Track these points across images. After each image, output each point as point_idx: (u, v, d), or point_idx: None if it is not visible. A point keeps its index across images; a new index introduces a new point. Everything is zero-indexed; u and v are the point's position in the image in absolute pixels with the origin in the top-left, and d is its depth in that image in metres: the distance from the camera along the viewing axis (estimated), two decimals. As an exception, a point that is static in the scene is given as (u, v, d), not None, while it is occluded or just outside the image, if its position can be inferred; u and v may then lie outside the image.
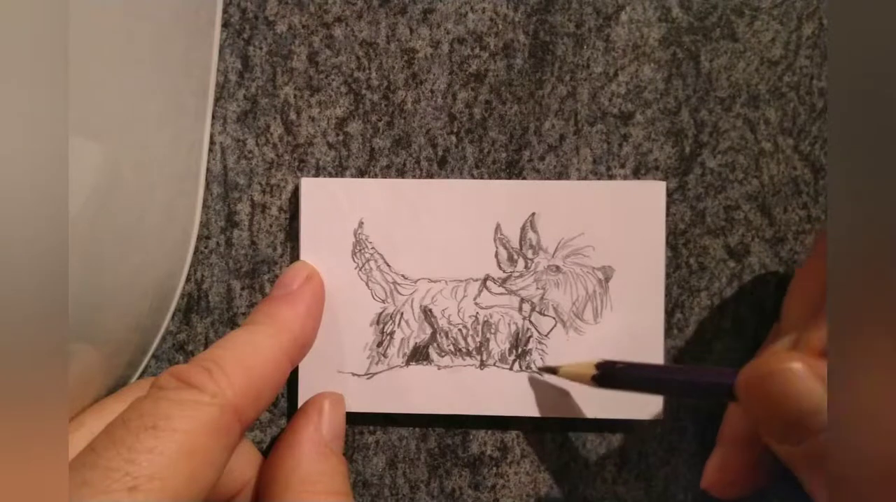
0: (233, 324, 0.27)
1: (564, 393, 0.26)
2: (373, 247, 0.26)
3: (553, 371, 0.25)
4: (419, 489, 0.27)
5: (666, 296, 0.26)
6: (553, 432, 0.26)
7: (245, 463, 0.24)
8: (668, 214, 0.26)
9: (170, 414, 0.17)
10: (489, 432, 0.26)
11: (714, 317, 0.26)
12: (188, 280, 0.27)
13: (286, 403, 0.27)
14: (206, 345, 0.27)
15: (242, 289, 0.27)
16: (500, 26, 0.26)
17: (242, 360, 0.20)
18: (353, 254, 0.26)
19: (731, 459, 0.23)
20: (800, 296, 0.23)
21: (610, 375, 0.23)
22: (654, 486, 0.26)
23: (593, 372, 0.23)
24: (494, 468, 0.26)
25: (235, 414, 0.19)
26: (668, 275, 0.26)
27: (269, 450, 0.26)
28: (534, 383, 0.26)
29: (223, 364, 0.19)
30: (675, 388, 0.23)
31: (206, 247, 0.27)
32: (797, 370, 0.18)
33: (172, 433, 0.17)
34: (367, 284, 0.26)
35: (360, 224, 0.26)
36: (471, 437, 0.26)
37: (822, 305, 0.19)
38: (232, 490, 0.24)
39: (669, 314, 0.26)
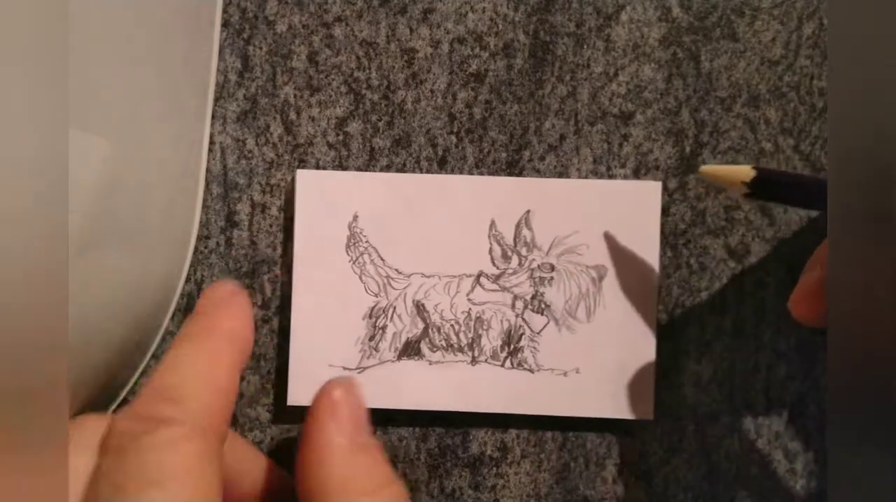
0: (233, 323, 0.27)
1: (558, 391, 0.26)
2: (367, 241, 0.26)
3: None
4: (419, 489, 0.27)
5: (666, 295, 0.26)
6: (553, 432, 0.26)
7: (247, 463, 0.24)
8: (668, 214, 0.26)
9: (161, 461, 0.17)
10: (489, 432, 0.26)
11: (714, 317, 0.26)
12: (188, 280, 0.27)
13: (278, 401, 0.27)
14: (205, 345, 0.27)
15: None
16: (500, 26, 0.26)
17: (198, 378, 0.19)
18: (348, 247, 0.26)
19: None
20: None
21: (769, 181, 0.21)
22: (654, 486, 0.26)
23: (752, 175, 0.21)
24: (494, 468, 0.26)
25: (214, 434, 0.19)
26: (668, 275, 0.26)
27: (272, 453, 0.26)
28: (526, 380, 0.26)
29: (185, 390, 0.19)
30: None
31: (206, 247, 0.27)
32: None
33: (173, 481, 0.17)
34: (360, 278, 0.26)
35: (355, 217, 0.26)
36: (471, 437, 0.26)
37: None
38: (239, 495, 0.24)
39: (669, 314, 0.26)
